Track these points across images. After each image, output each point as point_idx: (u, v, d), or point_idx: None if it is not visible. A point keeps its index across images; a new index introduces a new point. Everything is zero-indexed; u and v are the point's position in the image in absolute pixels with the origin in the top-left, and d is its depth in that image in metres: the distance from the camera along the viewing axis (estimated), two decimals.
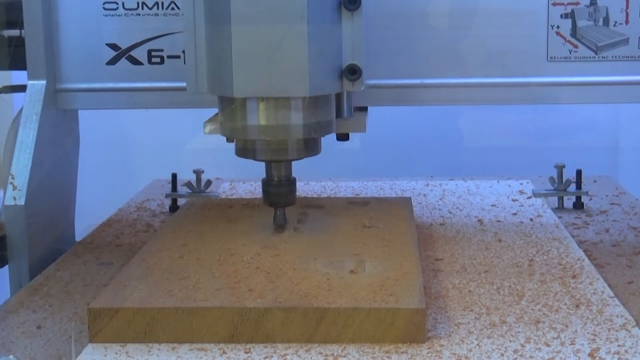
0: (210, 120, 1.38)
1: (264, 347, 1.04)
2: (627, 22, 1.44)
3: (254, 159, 1.33)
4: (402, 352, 1.02)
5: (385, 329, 1.04)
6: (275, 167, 1.33)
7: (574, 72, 1.45)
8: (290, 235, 1.33)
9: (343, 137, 1.42)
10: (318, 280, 1.13)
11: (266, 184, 1.35)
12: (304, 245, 1.28)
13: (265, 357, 1.01)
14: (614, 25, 1.43)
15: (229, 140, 1.38)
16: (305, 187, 1.81)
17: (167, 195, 1.72)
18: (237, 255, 1.24)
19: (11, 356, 1.01)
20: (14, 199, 1.35)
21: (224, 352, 1.03)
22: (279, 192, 1.34)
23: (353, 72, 1.26)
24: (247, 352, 1.03)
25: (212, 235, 1.34)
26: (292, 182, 1.35)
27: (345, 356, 1.01)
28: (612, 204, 1.70)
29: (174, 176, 1.72)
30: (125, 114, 2.26)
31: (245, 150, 1.33)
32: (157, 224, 1.59)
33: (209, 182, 1.72)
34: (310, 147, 1.32)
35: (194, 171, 1.73)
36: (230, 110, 1.29)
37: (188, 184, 1.72)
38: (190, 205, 1.55)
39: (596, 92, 1.46)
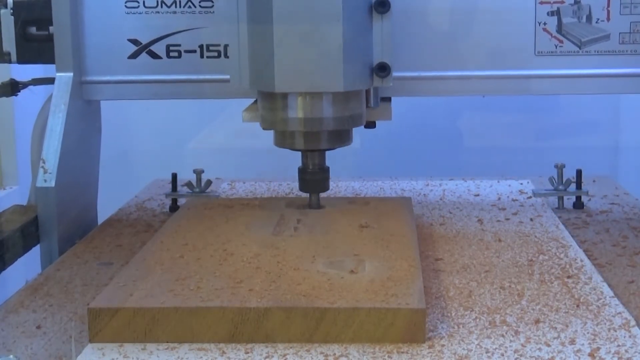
0: (248, 109, 1.50)
1: (265, 347, 1.04)
2: (608, 19, 1.54)
3: (292, 148, 1.45)
4: (403, 352, 1.02)
5: (386, 329, 1.04)
6: (310, 156, 1.46)
7: (560, 66, 1.56)
8: (290, 235, 1.33)
9: (370, 124, 1.55)
10: (318, 280, 1.13)
11: (302, 171, 1.48)
12: (304, 245, 1.28)
13: (266, 357, 1.01)
14: (597, 22, 1.54)
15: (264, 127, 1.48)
16: None
17: (167, 195, 1.72)
18: (237, 255, 1.24)
19: (11, 356, 1.01)
20: (45, 181, 1.47)
21: (224, 352, 1.03)
22: (313, 179, 1.47)
23: (383, 69, 1.39)
24: (247, 352, 1.03)
25: (212, 235, 1.34)
26: (325, 170, 1.47)
27: (345, 356, 1.01)
28: (612, 204, 1.70)
29: (174, 176, 1.72)
30: (125, 114, 2.26)
31: (283, 141, 1.45)
32: (157, 224, 1.59)
33: (209, 182, 1.72)
34: (342, 138, 1.45)
35: (194, 171, 1.73)
36: (270, 104, 1.41)
37: (188, 184, 1.72)
38: (190, 205, 1.55)
39: (580, 84, 1.57)
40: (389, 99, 1.57)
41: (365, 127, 1.54)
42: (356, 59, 1.37)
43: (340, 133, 1.44)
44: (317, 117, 1.39)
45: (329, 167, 1.48)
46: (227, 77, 1.50)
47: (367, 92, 1.46)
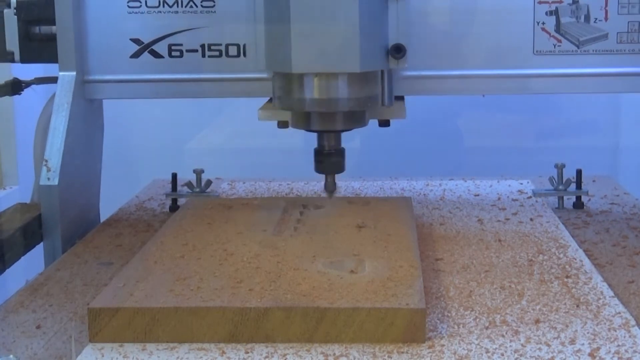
0: (263, 108, 1.51)
1: (265, 347, 1.04)
2: (606, 19, 1.55)
3: (308, 129, 1.47)
4: (403, 352, 1.02)
5: (385, 328, 1.04)
6: (326, 137, 1.47)
7: (558, 65, 1.56)
8: (290, 235, 1.33)
9: (384, 123, 1.55)
10: (318, 280, 1.13)
11: (318, 153, 1.49)
12: (304, 245, 1.28)
13: (266, 357, 1.01)
14: (595, 22, 1.55)
15: (280, 125, 1.51)
16: (305, 187, 1.81)
17: (167, 195, 1.72)
18: (237, 255, 1.24)
19: (11, 356, 1.01)
20: (48, 179, 1.48)
21: (224, 352, 1.03)
22: (329, 160, 1.48)
23: (398, 51, 1.41)
24: (247, 352, 1.03)
25: (212, 235, 1.34)
26: (341, 152, 1.49)
27: (345, 356, 1.01)
28: (612, 204, 1.70)
29: (174, 176, 1.72)
30: (124, 114, 2.26)
31: (299, 122, 1.46)
32: (157, 224, 1.59)
33: (209, 182, 1.72)
34: (358, 119, 1.46)
35: (194, 171, 1.73)
36: (286, 85, 1.42)
37: (188, 184, 1.72)
38: (190, 205, 1.55)
39: (578, 83, 1.58)
40: (402, 98, 1.58)
41: (380, 125, 1.55)
42: (372, 40, 1.39)
43: (355, 114, 1.45)
44: (334, 98, 1.40)
45: (344, 149, 1.49)
46: (229, 76, 1.52)
47: (382, 88, 1.46)
